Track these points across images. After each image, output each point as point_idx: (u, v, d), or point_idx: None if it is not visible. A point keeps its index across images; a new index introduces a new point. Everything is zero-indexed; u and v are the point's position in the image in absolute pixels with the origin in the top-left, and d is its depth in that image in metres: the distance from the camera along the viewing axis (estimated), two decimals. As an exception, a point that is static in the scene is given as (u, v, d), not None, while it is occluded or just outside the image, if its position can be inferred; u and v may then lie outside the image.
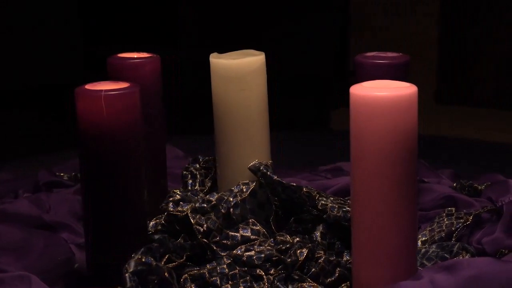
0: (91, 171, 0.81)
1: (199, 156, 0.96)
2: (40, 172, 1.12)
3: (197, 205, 0.86)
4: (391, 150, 0.78)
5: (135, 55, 0.97)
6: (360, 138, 0.79)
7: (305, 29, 2.76)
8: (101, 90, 0.80)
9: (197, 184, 0.94)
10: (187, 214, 0.86)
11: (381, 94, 0.78)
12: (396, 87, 0.78)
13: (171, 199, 0.88)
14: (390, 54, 0.95)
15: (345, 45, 2.88)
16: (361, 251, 0.81)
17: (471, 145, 1.84)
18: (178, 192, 0.89)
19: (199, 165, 0.96)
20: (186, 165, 0.96)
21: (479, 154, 1.64)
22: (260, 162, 0.89)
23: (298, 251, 0.83)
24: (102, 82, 0.83)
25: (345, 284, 0.80)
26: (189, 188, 0.94)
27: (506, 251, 0.86)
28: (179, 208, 0.87)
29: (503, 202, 0.93)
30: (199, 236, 0.85)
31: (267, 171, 0.88)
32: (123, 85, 0.82)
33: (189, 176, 0.95)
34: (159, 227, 0.88)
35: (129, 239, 0.82)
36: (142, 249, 0.78)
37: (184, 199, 0.88)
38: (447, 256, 0.88)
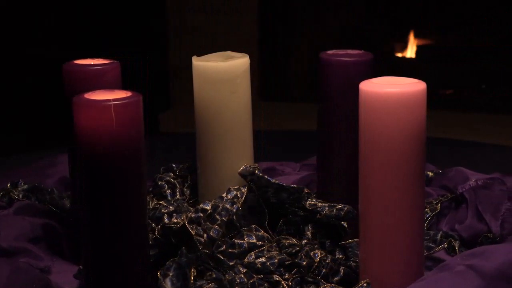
0: (96, 188, 0.75)
1: (173, 164, 0.92)
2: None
3: (193, 215, 0.83)
4: (402, 145, 0.79)
5: (91, 61, 0.91)
6: (371, 133, 0.79)
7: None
8: (109, 100, 0.74)
9: (178, 193, 0.90)
10: (183, 225, 0.82)
11: (394, 91, 0.79)
12: (407, 84, 0.80)
13: (165, 211, 0.83)
14: (350, 52, 0.96)
15: (165, 46, 2.85)
16: (369, 246, 0.81)
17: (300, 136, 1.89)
18: (164, 204, 0.85)
19: (173, 174, 0.92)
20: (159, 175, 0.92)
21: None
22: (250, 166, 0.87)
23: (312, 253, 0.82)
24: (96, 92, 0.77)
25: (365, 281, 0.80)
26: (169, 198, 0.89)
27: (491, 235, 0.90)
28: (174, 220, 0.83)
29: (464, 189, 0.98)
30: (200, 247, 0.81)
31: (263, 174, 0.86)
32: (122, 93, 0.77)
33: (166, 186, 0.90)
34: (150, 242, 0.84)
35: (134, 260, 0.77)
36: (174, 265, 0.73)
37: (176, 210, 0.84)
38: (432, 245, 0.91)
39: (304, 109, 2.85)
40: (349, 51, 0.96)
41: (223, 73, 0.84)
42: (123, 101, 0.74)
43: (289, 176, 1.10)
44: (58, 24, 2.71)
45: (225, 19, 2.81)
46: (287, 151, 1.21)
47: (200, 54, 0.87)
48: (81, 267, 0.84)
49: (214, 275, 0.75)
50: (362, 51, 0.96)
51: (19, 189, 1.02)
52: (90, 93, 0.77)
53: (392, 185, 0.80)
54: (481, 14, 2.67)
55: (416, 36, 2.82)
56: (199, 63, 0.85)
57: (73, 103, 0.75)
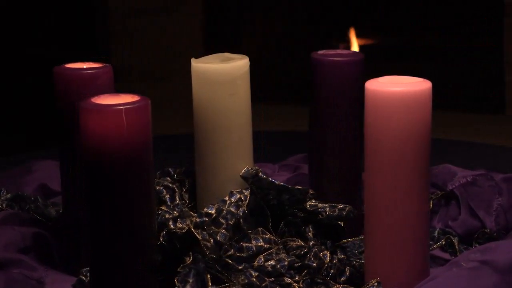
0: (99, 190, 0.73)
1: (169, 169, 0.91)
2: None
3: (197, 219, 0.81)
4: (407, 144, 0.79)
5: (83, 65, 0.89)
6: (376, 132, 0.80)
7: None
8: (119, 104, 0.72)
9: (177, 198, 0.88)
10: (189, 230, 0.80)
11: (400, 89, 0.79)
12: (412, 83, 0.80)
13: (169, 216, 0.82)
14: (341, 51, 0.96)
15: (108, 50, 2.81)
16: (374, 246, 0.82)
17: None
18: (166, 209, 0.83)
19: (171, 178, 0.90)
20: (156, 180, 0.90)
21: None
22: (252, 168, 0.86)
23: (321, 254, 0.82)
24: (102, 96, 0.76)
25: (375, 281, 0.80)
26: (169, 203, 0.88)
27: (488, 230, 0.92)
28: (179, 225, 0.81)
29: (454, 186, 0.99)
30: (207, 252, 0.80)
31: (266, 176, 0.85)
32: (129, 97, 0.75)
33: (165, 191, 0.88)
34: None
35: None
36: (192, 271, 0.72)
37: (180, 215, 0.82)
38: (430, 242, 0.91)
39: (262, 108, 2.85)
40: (339, 51, 0.96)
41: (224, 74, 0.83)
42: (134, 105, 0.73)
43: (273, 178, 1.09)
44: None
45: (168, 21, 2.79)
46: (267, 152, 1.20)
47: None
48: (81, 276, 0.81)
49: (246, 280, 0.74)
50: (353, 50, 0.96)
51: (2, 198, 0.99)
52: (96, 97, 0.75)
53: (397, 183, 0.80)
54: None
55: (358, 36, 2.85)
56: (198, 64, 0.84)
57: (81, 107, 0.73)
